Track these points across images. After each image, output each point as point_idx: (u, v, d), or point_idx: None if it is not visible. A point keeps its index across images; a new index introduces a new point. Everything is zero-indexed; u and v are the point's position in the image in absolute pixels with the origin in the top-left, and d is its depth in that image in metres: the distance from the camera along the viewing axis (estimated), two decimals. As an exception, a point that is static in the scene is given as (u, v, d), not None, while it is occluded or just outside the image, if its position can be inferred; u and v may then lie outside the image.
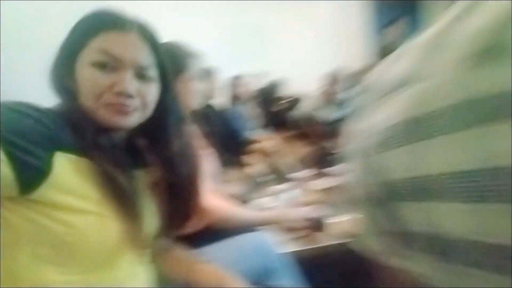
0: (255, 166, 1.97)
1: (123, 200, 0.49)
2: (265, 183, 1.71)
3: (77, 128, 0.47)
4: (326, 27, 3.54)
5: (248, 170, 1.92)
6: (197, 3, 2.93)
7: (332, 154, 2.22)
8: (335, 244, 0.99)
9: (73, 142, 0.46)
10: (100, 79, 0.48)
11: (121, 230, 0.48)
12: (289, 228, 1.00)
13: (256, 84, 2.72)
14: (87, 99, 0.49)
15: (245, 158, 2.01)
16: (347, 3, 3.59)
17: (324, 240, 1.01)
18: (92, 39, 0.49)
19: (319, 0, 3.50)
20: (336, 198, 1.31)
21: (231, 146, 1.98)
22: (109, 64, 0.49)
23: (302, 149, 2.44)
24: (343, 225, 1.02)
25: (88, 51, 0.49)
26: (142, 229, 0.52)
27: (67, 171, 0.45)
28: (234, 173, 1.79)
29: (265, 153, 2.12)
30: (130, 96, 0.49)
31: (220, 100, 2.36)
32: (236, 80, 2.39)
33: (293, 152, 2.39)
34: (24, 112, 0.43)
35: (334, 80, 2.69)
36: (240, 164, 1.94)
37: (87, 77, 0.49)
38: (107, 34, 0.49)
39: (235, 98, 2.39)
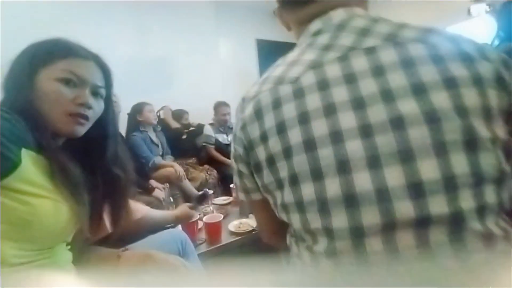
0: (162, 190, 2.09)
1: (72, 190, 0.57)
2: (173, 204, 1.87)
3: (36, 130, 0.54)
4: (226, 63, 3.95)
5: (155, 193, 2.03)
6: (106, 32, 2.91)
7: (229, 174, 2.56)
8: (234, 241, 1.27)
9: (33, 141, 0.53)
10: (65, 91, 0.58)
11: (70, 214, 0.57)
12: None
13: (161, 112, 2.81)
14: (48, 107, 0.57)
15: (152, 183, 2.10)
16: (245, 43, 4.18)
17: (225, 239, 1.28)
18: (61, 60, 0.59)
19: (222, 38, 3.90)
20: (236, 208, 1.64)
21: (138, 171, 2.03)
22: (72, 82, 0.59)
23: (204, 173, 2.69)
24: (244, 225, 1.35)
25: (55, 69, 0.58)
26: (85, 217, 0.60)
27: (29, 165, 0.52)
28: (141, 197, 1.87)
29: (170, 178, 2.26)
30: (89, 107, 0.61)
31: (125, 126, 2.36)
32: (141, 107, 2.37)
33: (196, 176, 2.61)
34: (2, 114, 0.50)
35: (225, 108, 2.98)
36: (147, 189, 2.02)
37: (53, 89, 0.58)
38: (74, 59, 0.61)
39: (141, 125, 2.36)
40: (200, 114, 3.23)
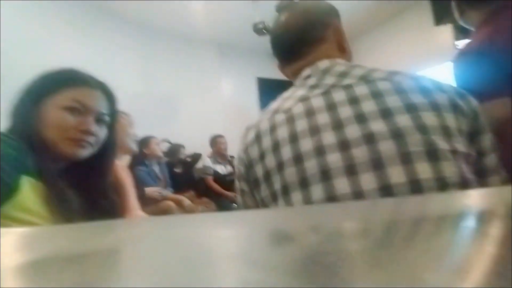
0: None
1: (68, 219, 0.56)
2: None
3: (37, 156, 0.55)
4: (228, 100, 4.12)
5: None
6: (114, 69, 3.08)
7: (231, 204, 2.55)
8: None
9: (33, 167, 0.53)
10: (69, 119, 0.60)
11: None
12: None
13: (163, 146, 2.89)
14: (52, 133, 0.59)
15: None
16: (247, 82, 4.38)
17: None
18: (68, 89, 0.62)
19: (224, 76, 4.12)
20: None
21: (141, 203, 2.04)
22: (77, 110, 0.61)
23: (202, 206, 2.67)
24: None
25: (61, 98, 0.61)
26: None
27: (28, 192, 0.51)
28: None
29: (171, 210, 2.26)
30: (92, 134, 0.63)
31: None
32: (148, 140, 2.40)
33: (193, 209, 2.59)
34: (5, 139, 0.50)
35: (221, 139, 3.18)
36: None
37: (59, 117, 0.60)
38: (80, 88, 0.64)
39: (146, 158, 2.39)
40: (202, 149, 3.31)
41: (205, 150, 3.29)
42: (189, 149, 3.24)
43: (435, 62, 3.21)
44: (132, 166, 2.29)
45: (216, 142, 3.16)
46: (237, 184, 0.62)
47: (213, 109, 3.91)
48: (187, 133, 3.32)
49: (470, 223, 0.19)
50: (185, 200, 2.35)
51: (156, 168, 2.48)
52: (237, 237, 0.19)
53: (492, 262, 0.12)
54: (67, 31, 2.78)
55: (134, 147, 1.32)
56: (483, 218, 0.20)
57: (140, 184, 2.19)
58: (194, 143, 3.29)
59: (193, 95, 3.75)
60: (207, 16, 3.43)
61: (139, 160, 2.34)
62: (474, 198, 0.27)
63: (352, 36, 4.26)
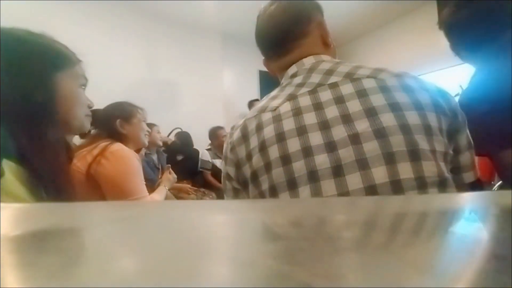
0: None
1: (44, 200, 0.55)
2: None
3: (51, 126, 0.55)
4: (229, 91, 4.11)
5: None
6: (117, 55, 3.07)
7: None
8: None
9: (14, 151, 0.51)
10: (83, 95, 0.64)
11: None
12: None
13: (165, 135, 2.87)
14: (70, 108, 0.60)
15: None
16: (248, 74, 4.36)
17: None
18: (76, 65, 0.63)
19: (226, 68, 4.11)
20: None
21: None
22: (85, 86, 0.65)
23: (198, 194, 2.67)
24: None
25: (75, 74, 0.62)
26: None
27: (10, 176, 0.49)
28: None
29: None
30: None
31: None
32: (149, 127, 2.30)
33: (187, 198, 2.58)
34: None
35: (222, 131, 3.05)
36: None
37: (76, 91, 0.62)
38: (81, 64, 0.65)
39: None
40: (202, 139, 3.31)
41: (205, 140, 3.29)
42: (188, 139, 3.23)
43: (439, 65, 3.21)
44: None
45: (216, 135, 3.05)
46: (227, 184, 0.62)
47: (214, 99, 3.91)
48: (186, 122, 3.32)
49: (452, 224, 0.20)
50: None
51: (154, 157, 2.48)
52: (229, 224, 0.20)
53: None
54: (70, 16, 2.75)
55: (146, 141, 1.34)
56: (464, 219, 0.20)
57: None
58: (193, 131, 3.29)
59: (194, 84, 3.73)
60: (213, 5, 3.40)
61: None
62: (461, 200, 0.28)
63: (357, 35, 4.25)
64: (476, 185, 0.56)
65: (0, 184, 0.47)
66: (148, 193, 1.14)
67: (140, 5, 3.29)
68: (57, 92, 0.59)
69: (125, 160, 1.06)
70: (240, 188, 0.58)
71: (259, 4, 0.69)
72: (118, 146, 1.08)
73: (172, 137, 2.98)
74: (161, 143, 2.47)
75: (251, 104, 3.42)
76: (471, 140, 0.55)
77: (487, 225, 0.19)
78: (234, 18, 3.67)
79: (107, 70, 2.78)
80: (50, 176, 0.57)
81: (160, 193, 1.36)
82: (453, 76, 3.03)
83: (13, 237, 0.16)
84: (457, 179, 0.53)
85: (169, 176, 1.51)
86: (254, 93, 4.39)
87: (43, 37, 0.61)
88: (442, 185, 0.46)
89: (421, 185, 0.44)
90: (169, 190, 1.62)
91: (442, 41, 0.86)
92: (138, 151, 1.43)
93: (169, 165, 1.70)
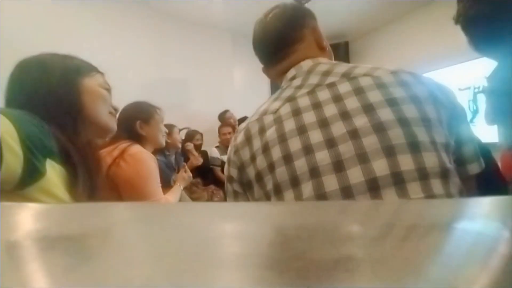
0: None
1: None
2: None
3: (79, 130, 0.61)
4: (239, 90, 4.13)
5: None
6: (128, 54, 3.12)
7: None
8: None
9: (56, 151, 0.53)
10: (108, 98, 0.71)
11: None
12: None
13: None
14: (97, 107, 0.67)
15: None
16: (259, 72, 4.32)
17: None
18: (98, 73, 0.70)
19: (237, 66, 4.11)
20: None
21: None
22: (109, 91, 0.71)
23: (208, 192, 2.68)
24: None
25: (97, 79, 0.69)
26: None
27: (52, 176, 0.51)
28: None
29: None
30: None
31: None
32: (170, 129, 2.16)
33: (199, 195, 2.60)
34: (31, 120, 0.50)
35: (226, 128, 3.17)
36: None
37: (102, 93, 0.68)
38: (101, 73, 0.72)
39: (166, 148, 2.14)
40: (212, 136, 3.34)
41: (215, 138, 3.31)
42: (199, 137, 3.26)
43: (453, 60, 3.13)
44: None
45: (221, 131, 3.17)
46: (228, 186, 0.63)
47: (224, 97, 3.92)
48: (197, 121, 3.35)
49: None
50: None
51: (172, 159, 2.45)
52: (239, 229, 0.20)
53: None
54: (80, 17, 2.79)
55: (164, 141, 1.36)
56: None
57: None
58: (203, 130, 3.31)
59: (205, 82, 3.75)
60: (223, 4, 3.40)
61: (160, 149, 2.11)
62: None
63: (369, 30, 4.18)
64: (493, 181, 0.56)
65: (42, 183, 0.48)
66: (163, 195, 1.17)
67: (150, 5, 3.32)
68: (82, 93, 0.65)
69: (144, 163, 1.09)
70: (240, 191, 0.60)
71: (269, 3, 0.71)
72: (137, 149, 1.11)
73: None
74: (180, 145, 2.44)
75: (221, 116, 3.48)
76: (473, 131, 0.55)
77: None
78: (245, 17, 3.65)
79: (118, 69, 2.82)
80: (87, 176, 0.60)
81: (174, 193, 1.39)
82: (468, 71, 2.94)
83: (31, 237, 0.17)
84: (462, 171, 0.53)
85: (184, 175, 1.53)
86: (265, 91, 4.38)
87: (66, 55, 0.68)
88: (444, 176, 0.46)
89: (423, 176, 0.44)
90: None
91: (456, 35, 0.84)
92: (155, 151, 1.46)
93: (185, 163, 1.72)
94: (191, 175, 1.58)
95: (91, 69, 0.70)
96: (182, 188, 1.48)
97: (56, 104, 0.60)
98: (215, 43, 3.93)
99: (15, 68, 0.63)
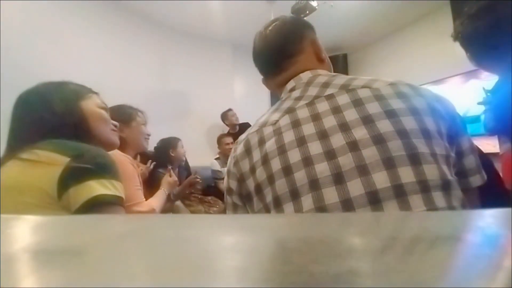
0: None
1: None
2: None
3: (87, 142, 0.67)
4: (240, 100, 4.14)
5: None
6: (130, 66, 3.15)
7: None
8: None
9: None
10: (107, 116, 0.78)
11: None
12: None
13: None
14: (98, 125, 0.75)
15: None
16: (259, 83, 4.36)
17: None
18: (93, 94, 0.78)
19: (237, 77, 4.15)
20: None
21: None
22: (106, 111, 0.79)
23: (204, 205, 2.60)
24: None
25: (95, 100, 0.77)
26: None
27: None
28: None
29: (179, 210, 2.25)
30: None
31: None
32: (175, 142, 2.20)
33: (194, 209, 2.52)
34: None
35: (227, 138, 3.14)
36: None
37: (101, 112, 0.77)
38: (98, 94, 0.81)
39: (170, 161, 2.15)
40: (212, 149, 3.34)
41: (215, 150, 3.31)
42: (200, 147, 3.27)
43: (453, 71, 3.16)
44: (155, 168, 1.97)
45: (222, 141, 3.11)
46: (228, 198, 0.63)
47: (225, 108, 3.92)
48: (197, 132, 3.36)
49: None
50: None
51: (175, 172, 2.40)
52: (239, 241, 0.20)
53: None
54: (82, 29, 2.83)
55: (146, 145, 1.34)
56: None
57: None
58: (203, 142, 3.32)
59: (206, 94, 3.79)
60: (223, 16, 3.47)
61: (163, 162, 2.08)
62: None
63: (370, 41, 4.24)
64: (495, 192, 0.55)
65: None
66: (144, 198, 1.15)
67: (151, 17, 3.38)
68: (85, 114, 0.73)
69: (120, 167, 1.07)
70: (239, 203, 0.59)
71: (269, 15, 0.72)
72: (113, 152, 1.09)
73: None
74: (184, 159, 2.40)
75: (224, 114, 3.51)
76: (473, 143, 0.55)
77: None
78: (244, 29, 3.72)
79: (120, 81, 2.85)
80: None
81: (158, 198, 1.33)
82: (469, 83, 2.97)
83: (29, 250, 0.16)
84: (464, 183, 0.52)
85: (170, 180, 1.48)
86: (265, 102, 4.42)
87: (61, 82, 0.75)
88: (445, 188, 0.45)
89: (424, 188, 0.44)
90: (181, 202, 1.61)
91: (455, 47, 0.85)
92: (136, 155, 1.44)
93: (170, 167, 1.67)
94: (176, 179, 1.54)
95: (86, 91, 0.77)
96: (167, 192, 1.42)
97: (64, 130, 0.67)
98: (215, 55, 3.99)
99: (16, 104, 0.70)
